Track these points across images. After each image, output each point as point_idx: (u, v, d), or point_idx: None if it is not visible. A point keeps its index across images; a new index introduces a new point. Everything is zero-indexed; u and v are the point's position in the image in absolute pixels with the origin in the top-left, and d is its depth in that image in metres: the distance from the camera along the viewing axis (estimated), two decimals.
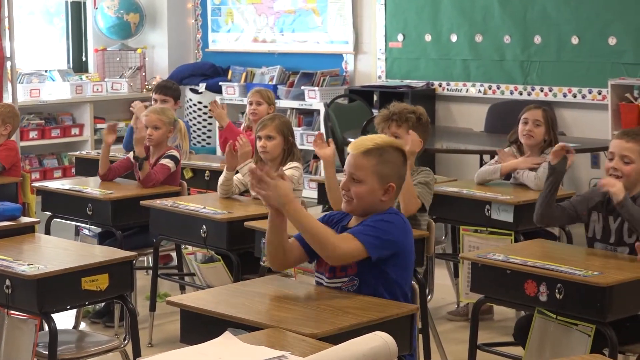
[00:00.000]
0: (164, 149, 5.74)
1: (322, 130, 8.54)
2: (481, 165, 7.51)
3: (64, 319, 5.17)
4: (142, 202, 5.21)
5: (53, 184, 5.97)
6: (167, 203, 5.10)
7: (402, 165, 3.50)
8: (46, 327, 3.82)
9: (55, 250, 4.21)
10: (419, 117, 4.65)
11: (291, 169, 5.07)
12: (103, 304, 5.56)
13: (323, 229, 3.35)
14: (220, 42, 9.99)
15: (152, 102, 6.85)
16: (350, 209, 3.47)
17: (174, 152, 5.73)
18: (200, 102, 9.59)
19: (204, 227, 4.84)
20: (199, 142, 9.55)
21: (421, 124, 4.66)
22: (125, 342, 4.22)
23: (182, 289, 5.81)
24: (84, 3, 9.96)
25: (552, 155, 4.29)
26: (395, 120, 4.63)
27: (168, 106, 6.76)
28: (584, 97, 7.67)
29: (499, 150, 5.59)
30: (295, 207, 3.30)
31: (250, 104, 6.71)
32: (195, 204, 5.04)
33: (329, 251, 3.32)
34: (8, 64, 7.96)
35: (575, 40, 7.66)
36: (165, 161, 5.68)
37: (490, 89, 8.17)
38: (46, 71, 9.42)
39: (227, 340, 2.82)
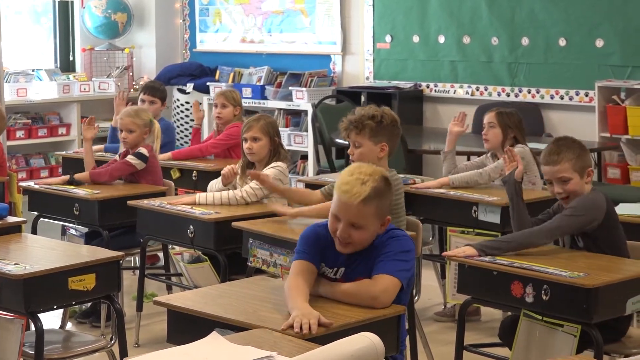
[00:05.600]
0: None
1: (310, 131, 8.54)
2: None
3: (51, 319, 5.16)
4: (129, 202, 5.20)
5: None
6: (154, 203, 5.09)
7: (391, 191, 3.48)
8: (32, 327, 3.81)
9: (42, 250, 4.20)
10: (379, 121, 4.49)
11: (272, 168, 5.02)
12: (90, 304, 5.55)
13: (354, 288, 3.32)
14: (208, 42, 9.98)
15: (140, 103, 6.83)
16: (348, 251, 3.40)
17: (142, 150, 5.67)
18: (187, 103, 9.58)
19: (192, 227, 4.84)
20: (186, 143, 9.52)
21: (382, 127, 4.49)
22: (112, 342, 4.22)
23: (169, 289, 5.80)
24: (72, 2, 9.93)
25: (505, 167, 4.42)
26: (353, 128, 4.51)
27: (156, 107, 6.75)
28: (571, 98, 7.69)
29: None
30: (321, 288, 3.36)
31: (215, 106, 6.58)
32: (182, 203, 5.03)
33: (369, 302, 3.29)
34: None
35: (562, 42, 7.68)
36: (129, 157, 5.65)
37: (477, 90, 8.18)
38: (33, 70, 9.39)
39: (214, 340, 2.82)
